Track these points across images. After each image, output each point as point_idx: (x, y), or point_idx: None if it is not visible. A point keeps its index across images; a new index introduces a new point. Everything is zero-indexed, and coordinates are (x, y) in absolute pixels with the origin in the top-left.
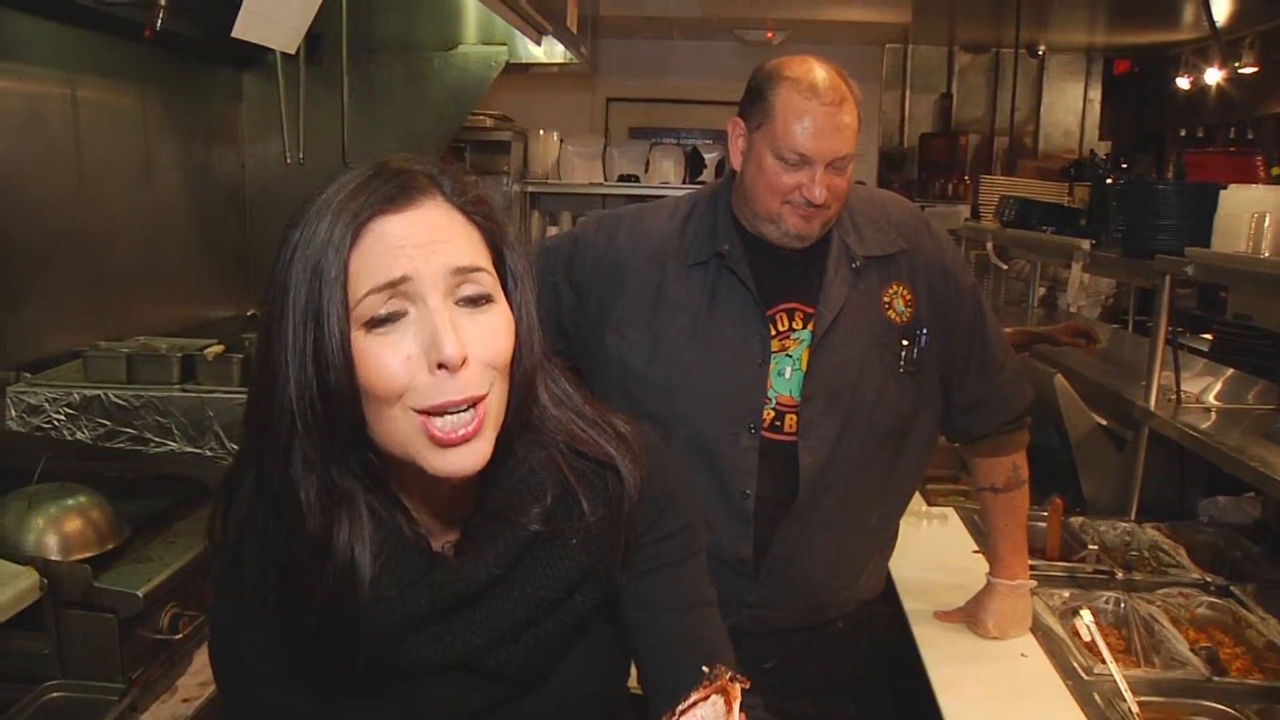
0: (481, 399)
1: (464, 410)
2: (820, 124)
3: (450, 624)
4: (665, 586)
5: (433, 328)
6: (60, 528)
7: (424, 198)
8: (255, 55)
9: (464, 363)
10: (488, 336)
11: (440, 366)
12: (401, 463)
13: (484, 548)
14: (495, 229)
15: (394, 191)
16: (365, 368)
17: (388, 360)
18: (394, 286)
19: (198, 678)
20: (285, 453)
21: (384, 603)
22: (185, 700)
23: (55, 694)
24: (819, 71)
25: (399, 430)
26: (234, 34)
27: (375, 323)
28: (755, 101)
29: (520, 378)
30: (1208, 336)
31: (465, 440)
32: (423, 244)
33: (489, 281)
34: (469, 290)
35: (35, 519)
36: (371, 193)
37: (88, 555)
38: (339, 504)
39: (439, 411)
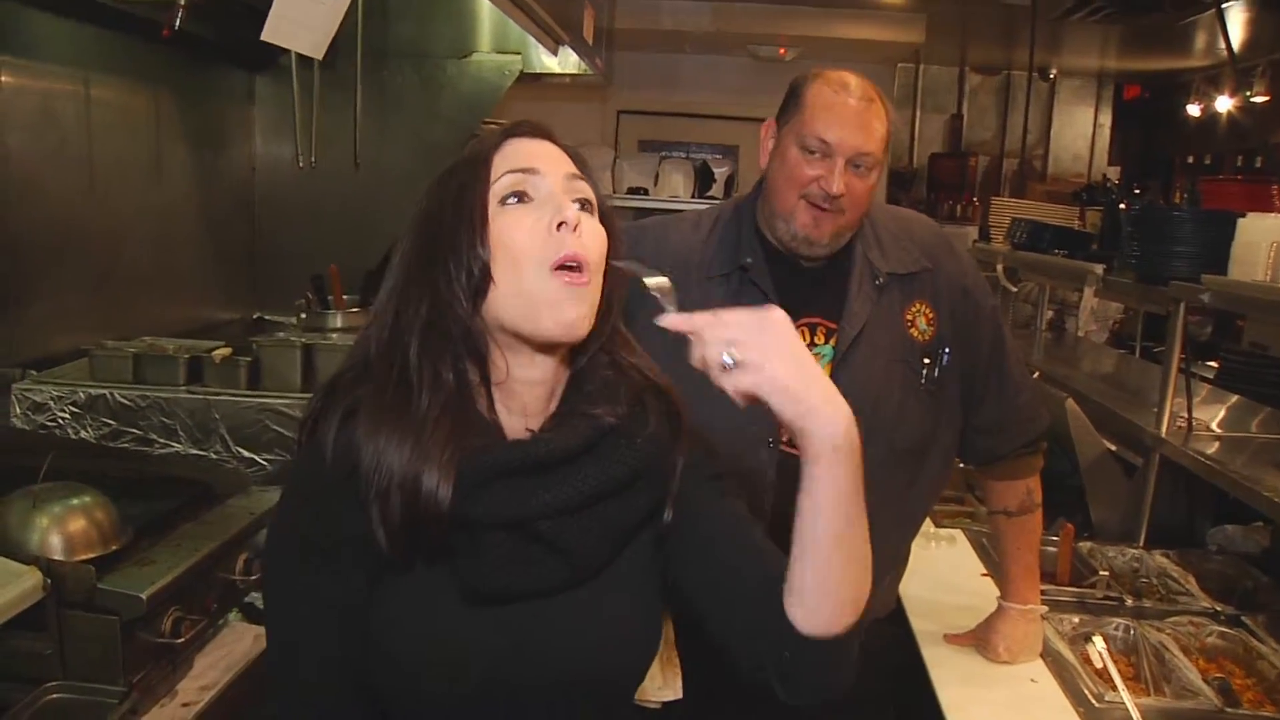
0: (588, 269)
1: (579, 269)
2: (844, 115)
3: (523, 484)
4: (726, 512)
5: (556, 202)
6: (64, 528)
7: (550, 140)
8: (269, 58)
9: (576, 229)
10: (593, 228)
11: (559, 227)
12: (507, 347)
13: (562, 432)
14: (597, 184)
15: (529, 129)
16: (499, 233)
17: (516, 222)
18: (525, 171)
19: (198, 682)
20: (409, 334)
21: (468, 453)
22: (185, 705)
23: (56, 695)
24: (852, 77)
25: (527, 289)
26: (263, 38)
27: (506, 202)
28: (788, 103)
29: (608, 288)
30: (1212, 364)
31: (578, 290)
32: (549, 156)
33: (594, 197)
34: (579, 196)
35: (39, 518)
36: (515, 127)
37: (91, 556)
38: (446, 388)
39: (563, 264)
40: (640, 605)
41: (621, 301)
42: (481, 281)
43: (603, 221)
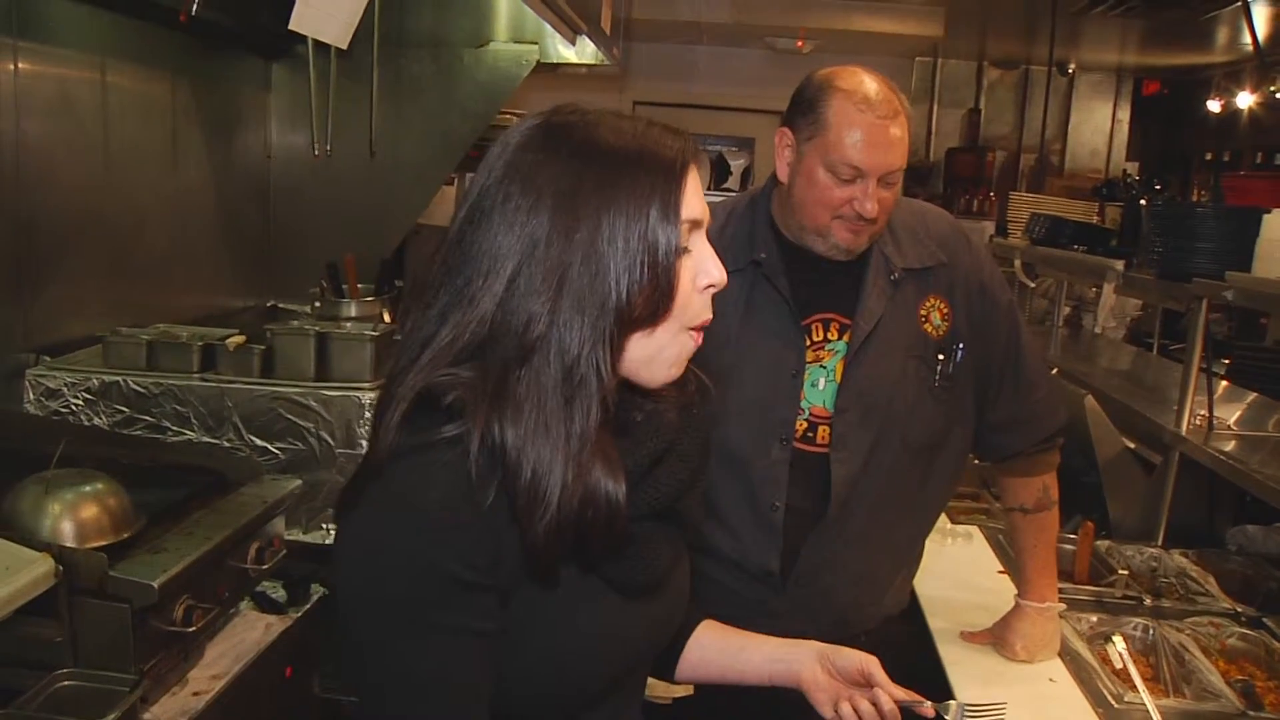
0: None
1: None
2: (874, 137)
3: (659, 474)
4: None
5: (709, 257)
6: (77, 514)
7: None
8: (285, 46)
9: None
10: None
11: (708, 287)
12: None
13: (660, 410)
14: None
15: (693, 148)
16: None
17: (686, 277)
18: (694, 225)
19: (209, 670)
20: (546, 345)
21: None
22: (196, 694)
23: (66, 682)
24: (872, 84)
25: (663, 343)
26: (290, 27)
27: (683, 249)
28: (806, 113)
29: None
30: (1225, 360)
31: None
32: (700, 196)
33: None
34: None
35: (52, 504)
36: (680, 140)
37: (103, 543)
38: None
39: (701, 327)
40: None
41: None
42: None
43: None
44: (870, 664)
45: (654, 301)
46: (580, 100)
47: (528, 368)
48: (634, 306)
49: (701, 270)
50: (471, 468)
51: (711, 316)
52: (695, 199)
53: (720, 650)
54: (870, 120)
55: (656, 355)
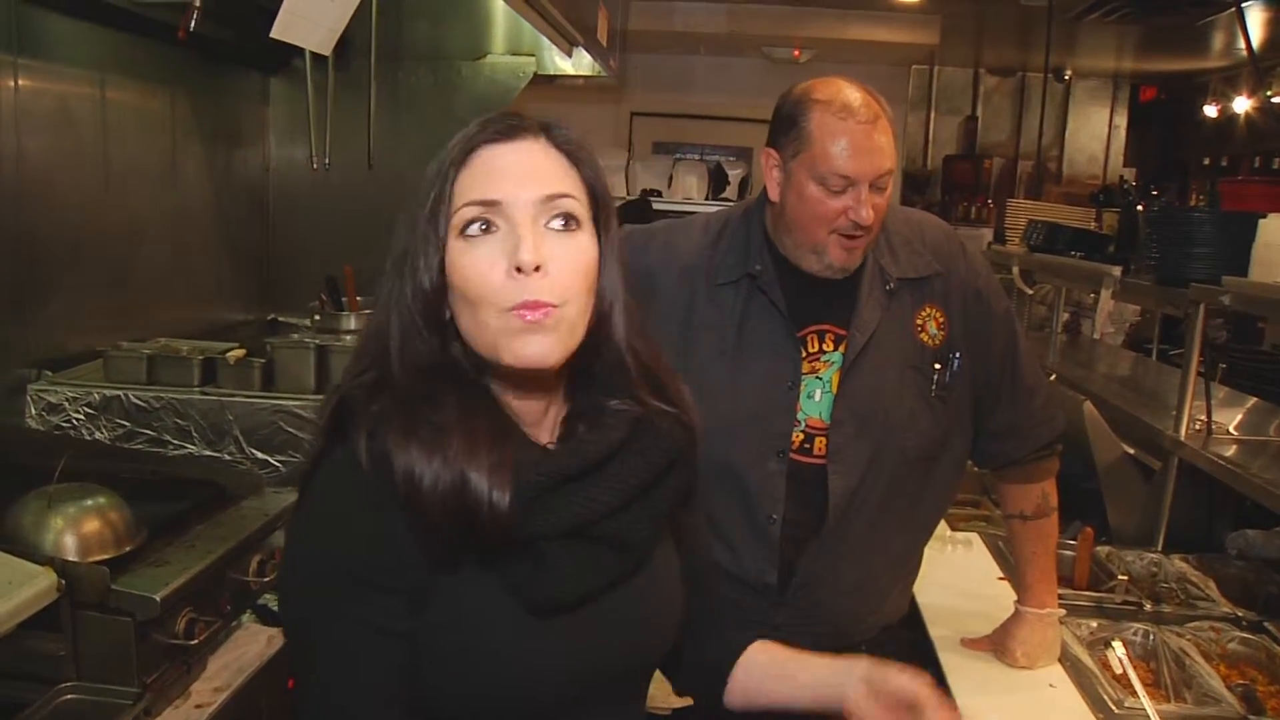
0: (555, 308)
1: (539, 311)
2: (859, 143)
3: (576, 490)
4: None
5: (515, 239)
6: (79, 528)
7: (528, 135)
8: (283, 60)
9: (538, 270)
10: (569, 255)
11: (517, 270)
12: (493, 365)
13: (597, 431)
14: (593, 173)
15: (504, 127)
16: (454, 268)
17: (472, 261)
18: (487, 205)
19: (212, 683)
20: (410, 347)
21: (517, 465)
22: (199, 706)
23: (70, 696)
24: (849, 91)
25: (488, 328)
26: (273, 34)
27: (467, 232)
28: (788, 130)
29: (601, 304)
30: (1223, 365)
31: (538, 325)
32: (519, 175)
33: (578, 209)
34: (557, 214)
35: (54, 519)
36: (487, 125)
37: (105, 557)
38: (457, 391)
39: (520, 308)
40: (676, 581)
41: (622, 303)
42: (439, 314)
43: (596, 227)
44: (921, 692)
45: (440, 284)
46: (578, 112)
47: (388, 364)
48: (419, 293)
49: (510, 247)
50: (363, 462)
51: (536, 297)
52: (485, 175)
53: (766, 674)
54: (852, 127)
55: (489, 339)
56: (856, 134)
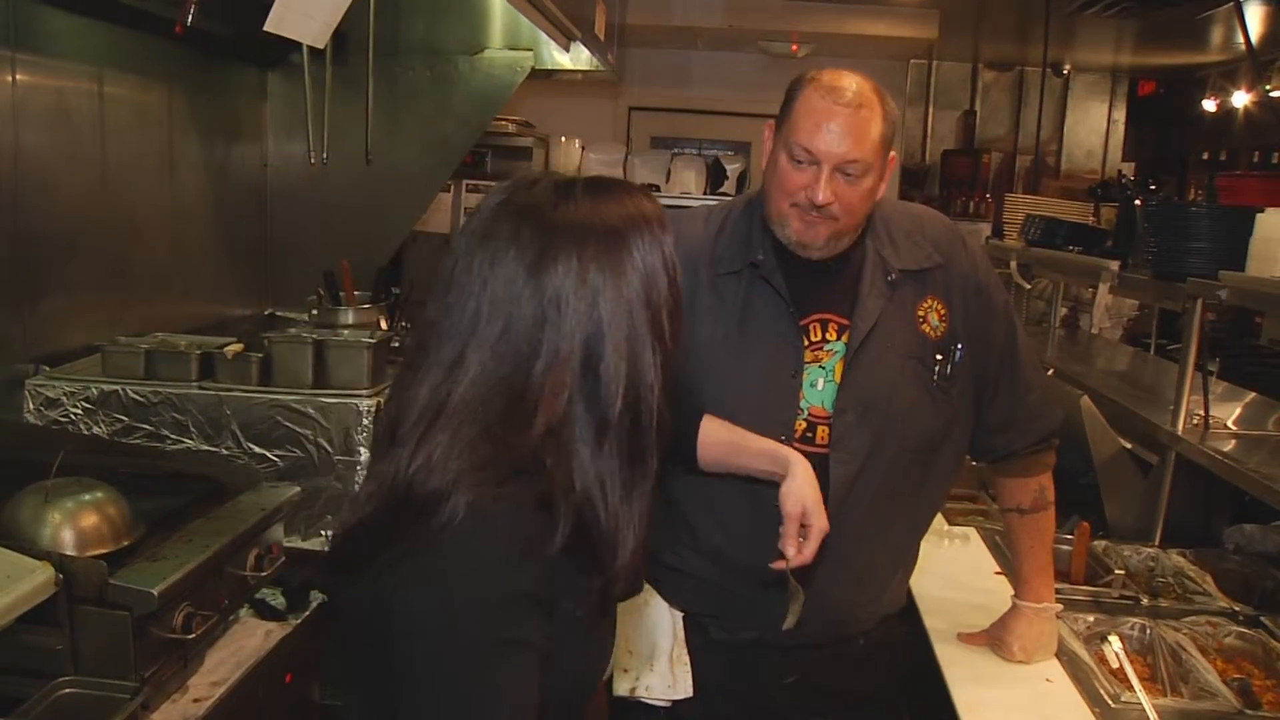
0: None
1: None
2: (830, 123)
3: None
4: None
5: None
6: (76, 523)
7: None
8: (281, 55)
9: None
10: None
11: None
12: None
13: None
14: None
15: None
16: None
17: None
18: None
19: (209, 677)
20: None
21: None
22: (196, 700)
23: (67, 690)
24: (846, 78)
25: None
26: (266, 28)
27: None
28: (784, 105)
29: None
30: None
31: None
32: None
33: None
34: None
35: (52, 513)
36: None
37: (103, 552)
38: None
39: None
40: None
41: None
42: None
43: None
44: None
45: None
46: (576, 107)
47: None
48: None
49: None
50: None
51: None
52: None
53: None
54: (830, 107)
55: None
56: (833, 114)
